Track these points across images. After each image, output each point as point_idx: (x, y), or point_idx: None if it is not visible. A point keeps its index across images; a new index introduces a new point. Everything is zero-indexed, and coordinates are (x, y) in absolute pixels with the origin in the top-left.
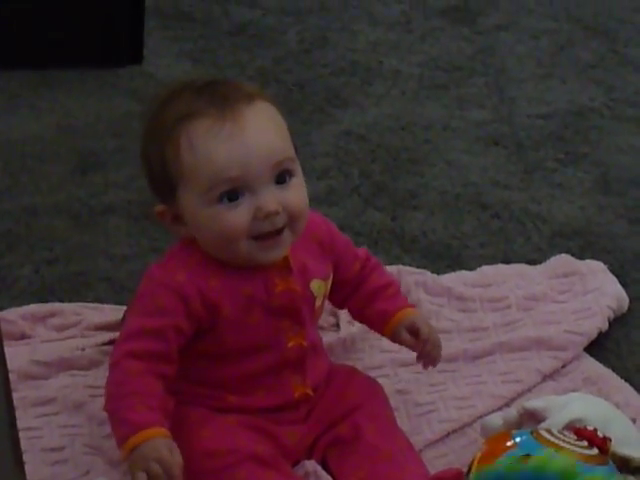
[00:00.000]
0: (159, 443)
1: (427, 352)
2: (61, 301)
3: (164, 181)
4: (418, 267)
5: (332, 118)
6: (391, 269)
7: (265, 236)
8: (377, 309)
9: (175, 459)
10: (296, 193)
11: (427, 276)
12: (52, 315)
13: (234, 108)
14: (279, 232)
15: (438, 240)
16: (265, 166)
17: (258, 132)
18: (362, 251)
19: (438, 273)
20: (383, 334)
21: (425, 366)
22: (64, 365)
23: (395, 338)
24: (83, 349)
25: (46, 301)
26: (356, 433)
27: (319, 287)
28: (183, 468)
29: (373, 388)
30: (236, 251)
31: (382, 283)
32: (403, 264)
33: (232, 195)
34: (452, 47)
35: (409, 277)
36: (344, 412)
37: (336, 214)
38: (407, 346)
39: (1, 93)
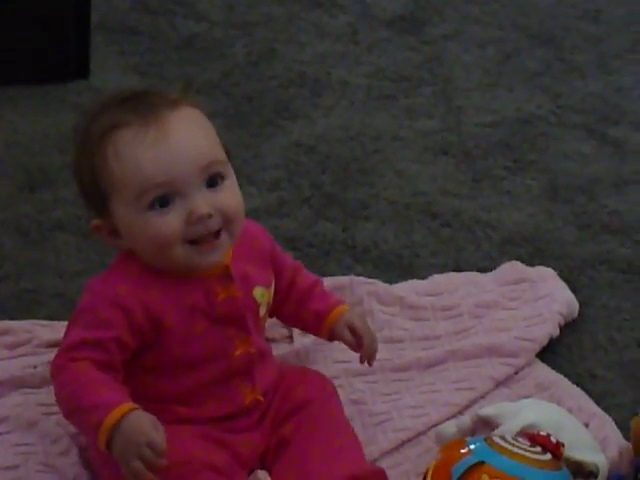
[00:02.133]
0: (141, 420)
1: (366, 347)
2: (12, 319)
3: (96, 194)
4: (370, 277)
5: (281, 130)
6: (343, 279)
7: (201, 240)
8: (311, 309)
9: (162, 435)
10: (229, 195)
11: (379, 286)
12: (3, 333)
13: (158, 115)
14: (216, 235)
15: (389, 250)
16: (193, 170)
17: (183, 137)
18: (288, 257)
19: (390, 283)
20: (319, 334)
21: (369, 362)
22: (16, 383)
23: (334, 337)
24: (35, 367)
25: None
26: (296, 434)
27: (262, 295)
28: None
29: (323, 383)
30: (173, 257)
31: (310, 283)
32: (355, 274)
33: (163, 201)
34: (399, 57)
35: (361, 287)
36: (291, 410)
37: (287, 226)
38: (348, 344)
39: None
